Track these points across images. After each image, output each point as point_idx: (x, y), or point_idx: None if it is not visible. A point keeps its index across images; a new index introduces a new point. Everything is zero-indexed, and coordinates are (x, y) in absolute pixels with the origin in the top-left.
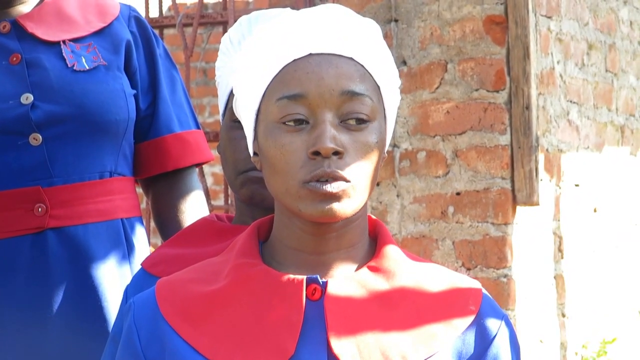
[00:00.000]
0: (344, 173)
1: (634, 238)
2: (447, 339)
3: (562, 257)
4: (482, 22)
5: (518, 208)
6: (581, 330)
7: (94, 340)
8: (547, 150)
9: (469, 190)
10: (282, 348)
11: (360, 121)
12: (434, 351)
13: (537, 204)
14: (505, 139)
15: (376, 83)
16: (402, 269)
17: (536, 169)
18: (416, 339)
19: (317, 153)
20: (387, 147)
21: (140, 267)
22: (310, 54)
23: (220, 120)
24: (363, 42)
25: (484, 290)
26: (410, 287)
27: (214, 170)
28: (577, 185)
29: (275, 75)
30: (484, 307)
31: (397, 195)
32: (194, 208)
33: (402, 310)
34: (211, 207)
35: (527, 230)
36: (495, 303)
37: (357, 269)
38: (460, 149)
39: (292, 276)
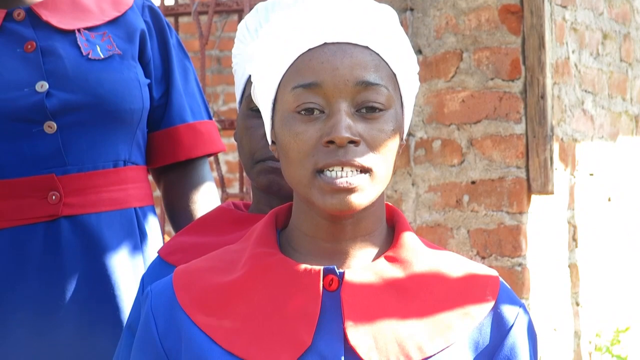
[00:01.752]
0: (361, 161)
1: None
2: (463, 329)
3: (576, 246)
4: (498, 11)
5: (533, 197)
6: (595, 319)
7: (106, 328)
8: (561, 139)
9: (484, 179)
10: (299, 339)
11: (376, 110)
12: (450, 342)
13: (552, 193)
14: (520, 128)
15: (392, 71)
16: (419, 259)
17: (551, 158)
18: (433, 330)
19: (331, 142)
20: (405, 134)
21: (157, 255)
22: (325, 43)
23: (237, 109)
24: (378, 30)
25: (501, 279)
26: (428, 277)
27: (228, 158)
28: (591, 175)
29: (291, 65)
30: (501, 296)
31: (412, 184)
32: (205, 198)
33: (419, 300)
34: (226, 195)
35: (541, 219)
36: (513, 292)
37: (374, 258)
38: (475, 137)
39: (309, 266)
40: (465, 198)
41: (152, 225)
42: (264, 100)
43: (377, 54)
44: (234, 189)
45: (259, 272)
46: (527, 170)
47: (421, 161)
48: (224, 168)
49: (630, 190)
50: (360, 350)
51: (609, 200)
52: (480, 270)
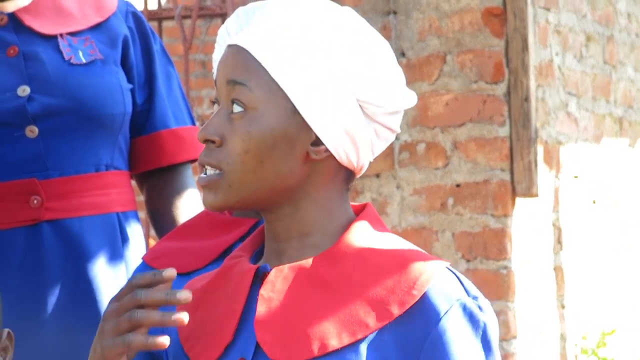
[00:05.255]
0: (214, 161)
1: (633, 229)
2: (377, 324)
3: (561, 249)
4: (481, 14)
5: (517, 200)
6: (581, 321)
7: (88, 333)
8: (546, 142)
9: (469, 182)
10: (224, 335)
11: (240, 109)
12: (358, 337)
13: (536, 196)
14: (504, 131)
15: (269, 74)
16: (353, 255)
17: (535, 160)
18: (342, 325)
19: None
20: (330, 146)
21: (141, 260)
22: (229, 45)
23: None
24: (263, 34)
25: (440, 272)
26: (356, 273)
27: None
28: (576, 177)
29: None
30: (435, 289)
31: (397, 187)
32: (187, 204)
33: (338, 296)
34: None
35: (526, 222)
36: (454, 285)
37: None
38: (459, 140)
39: (247, 266)
40: (450, 201)
41: (135, 230)
42: None
43: (253, 56)
44: None
45: (222, 275)
46: (512, 173)
47: (406, 164)
48: None
49: (615, 192)
50: (264, 346)
51: (594, 202)
52: (418, 263)
